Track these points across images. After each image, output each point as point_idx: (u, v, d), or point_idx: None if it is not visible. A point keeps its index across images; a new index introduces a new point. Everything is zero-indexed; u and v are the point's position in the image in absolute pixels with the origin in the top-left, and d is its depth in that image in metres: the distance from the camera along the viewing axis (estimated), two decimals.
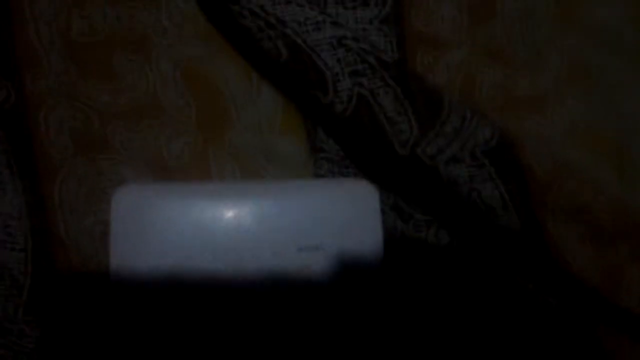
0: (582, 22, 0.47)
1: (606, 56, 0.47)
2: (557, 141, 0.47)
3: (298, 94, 0.43)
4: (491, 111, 0.45)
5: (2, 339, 0.35)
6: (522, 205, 0.43)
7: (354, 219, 0.43)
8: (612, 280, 0.46)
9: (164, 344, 0.40)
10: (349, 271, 0.42)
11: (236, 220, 0.40)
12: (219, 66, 0.43)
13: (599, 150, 0.47)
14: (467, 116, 0.42)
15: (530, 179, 0.45)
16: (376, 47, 0.42)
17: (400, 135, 0.42)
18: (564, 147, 0.47)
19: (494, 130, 0.43)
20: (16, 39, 0.40)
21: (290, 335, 0.41)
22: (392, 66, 0.41)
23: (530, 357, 0.42)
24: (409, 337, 0.43)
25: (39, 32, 0.41)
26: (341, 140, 0.44)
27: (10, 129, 0.38)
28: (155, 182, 0.41)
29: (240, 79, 0.43)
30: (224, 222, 0.40)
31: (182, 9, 0.43)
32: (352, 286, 0.42)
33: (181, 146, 0.42)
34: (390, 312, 0.43)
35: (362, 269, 0.42)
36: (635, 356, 0.43)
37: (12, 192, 0.37)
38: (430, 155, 0.42)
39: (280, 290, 0.40)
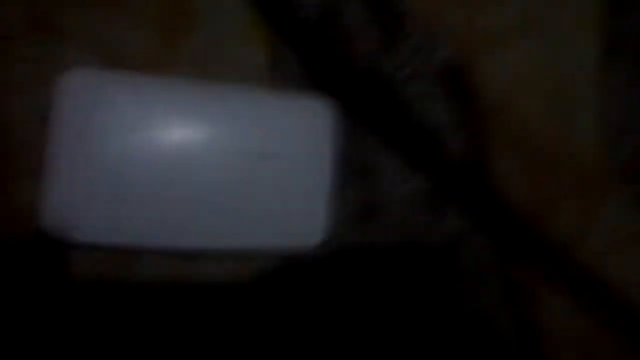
0: None
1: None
2: (506, 74, 0.46)
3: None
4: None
5: None
6: (467, 129, 0.44)
7: (306, 132, 0.42)
8: (549, 211, 0.46)
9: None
10: (295, 182, 0.41)
11: (186, 120, 0.39)
12: None
13: (542, 88, 0.47)
14: (427, 35, 0.42)
15: (478, 106, 0.45)
16: None
17: (363, 46, 0.42)
18: (511, 82, 0.46)
19: (453, 52, 0.43)
20: None
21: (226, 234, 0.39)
22: None
23: None
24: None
25: None
26: (304, 50, 0.42)
27: None
28: (104, 70, 0.39)
29: None
30: (174, 119, 0.38)
31: None
32: (295, 197, 0.40)
33: (139, 40, 0.39)
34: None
35: (309, 183, 0.41)
36: None
37: None
38: (389, 72, 0.42)
39: (223, 191, 0.39)
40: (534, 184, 0.46)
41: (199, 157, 0.38)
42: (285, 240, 0.40)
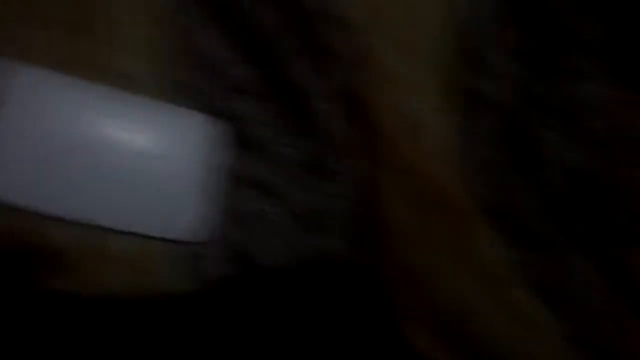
0: None
1: None
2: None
3: None
4: None
5: None
6: (363, 150, 0.50)
7: (189, 143, 0.50)
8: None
9: None
10: (173, 182, 0.50)
11: (90, 115, 0.48)
12: None
13: None
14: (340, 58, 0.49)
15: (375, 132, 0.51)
16: None
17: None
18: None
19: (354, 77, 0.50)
20: None
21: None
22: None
23: None
24: None
25: None
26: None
27: None
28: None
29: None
30: (82, 113, 0.48)
31: None
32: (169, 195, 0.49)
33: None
34: None
35: (187, 183, 0.50)
36: None
37: None
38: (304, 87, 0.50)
39: (112, 178, 0.48)
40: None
41: (94, 146, 0.48)
42: (159, 230, 0.49)
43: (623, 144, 0.51)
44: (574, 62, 0.52)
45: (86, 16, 0.50)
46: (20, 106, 0.47)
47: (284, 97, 0.51)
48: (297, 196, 0.51)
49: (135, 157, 0.48)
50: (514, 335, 0.49)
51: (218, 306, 0.50)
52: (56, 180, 0.47)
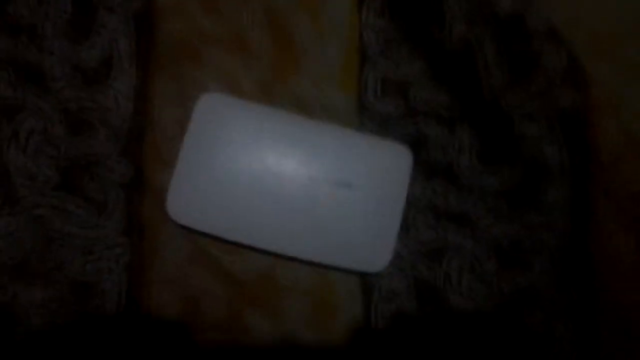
0: None
1: None
2: (629, 121, 0.47)
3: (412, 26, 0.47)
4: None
5: (97, 169, 0.46)
6: (578, 176, 0.45)
7: (386, 171, 0.48)
8: None
9: None
10: (371, 211, 0.47)
11: (289, 144, 0.47)
12: (295, 14, 0.49)
13: None
14: (555, 82, 0.44)
15: (594, 156, 0.46)
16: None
17: (490, 80, 0.45)
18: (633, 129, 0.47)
19: (575, 101, 0.45)
20: None
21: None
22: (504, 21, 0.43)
23: None
24: None
25: None
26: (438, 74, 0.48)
27: (139, 28, 0.49)
28: (229, 96, 0.49)
29: (311, 33, 0.49)
30: (280, 143, 0.47)
31: None
32: (368, 225, 0.47)
33: (255, 78, 0.49)
34: None
35: (381, 214, 0.47)
36: None
37: (127, 78, 0.48)
38: (510, 106, 0.44)
39: (310, 215, 0.46)
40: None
41: (292, 177, 0.46)
42: (355, 261, 0.47)
43: None
44: None
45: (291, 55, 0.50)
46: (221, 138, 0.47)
47: (481, 121, 0.48)
48: (496, 228, 0.47)
49: (339, 189, 0.46)
50: None
51: (399, 344, 0.45)
52: (251, 210, 0.46)
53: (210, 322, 0.45)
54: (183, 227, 0.46)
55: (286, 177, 0.46)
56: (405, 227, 0.47)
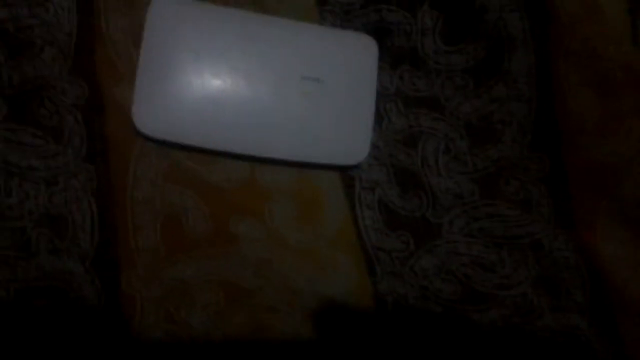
0: None
1: None
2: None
3: None
4: None
5: (47, 92, 0.42)
6: (539, 40, 0.46)
7: (353, 63, 0.47)
8: (611, 128, 0.48)
9: None
10: (344, 104, 0.46)
11: (251, 44, 0.45)
12: None
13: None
14: None
15: (554, 18, 0.47)
16: None
17: None
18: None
19: None
20: None
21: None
22: None
23: None
24: None
25: None
26: None
27: None
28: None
29: None
30: (242, 43, 0.45)
31: None
32: (342, 119, 0.46)
33: None
34: None
35: (354, 106, 0.46)
36: None
37: None
38: None
39: (283, 113, 0.45)
40: (601, 99, 0.48)
41: (259, 76, 0.44)
42: (334, 156, 0.46)
43: None
44: None
45: None
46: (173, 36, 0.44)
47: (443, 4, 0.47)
48: (465, 106, 0.47)
49: (308, 85, 0.45)
50: None
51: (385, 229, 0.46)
52: (223, 114, 0.44)
53: (195, 237, 0.44)
54: (153, 141, 0.43)
55: (253, 77, 0.44)
56: (378, 117, 0.47)
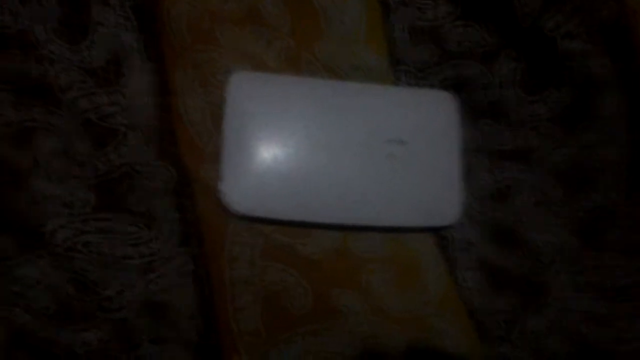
0: None
1: None
2: None
3: None
4: None
5: (136, 179, 0.42)
6: (628, 84, 0.45)
7: (435, 121, 0.46)
8: None
9: None
10: (430, 164, 0.45)
11: (331, 112, 0.44)
12: None
13: None
14: None
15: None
16: None
17: (524, 8, 0.44)
18: None
19: (612, 11, 0.44)
20: None
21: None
22: None
23: None
24: None
25: None
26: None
27: (142, 20, 0.44)
28: (262, 73, 0.45)
29: None
30: (322, 111, 0.44)
31: None
32: (430, 180, 0.45)
33: (278, 50, 0.45)
34: None
35: (441, 165, 0.45)
36: None
37: (139, 73, 0.43)
38: (549, 29, 0.43)
39: (371, 179, 0.44)
40: None
41: (343, 144, 0.44)
42: (426, 218, 0.45)
43: None
44: None
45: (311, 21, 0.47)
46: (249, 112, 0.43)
47: (520, 49, 0.47)
48: (554, 155, 0.46)
49: (393, 148, 0.44)
50: None
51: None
52: (311, 185, 0.43)
53: (297, 314, 0.42)
54: (245, 218, 0.42)
55: (337, 145, 0.44)
56: (464, 174, 0.46)
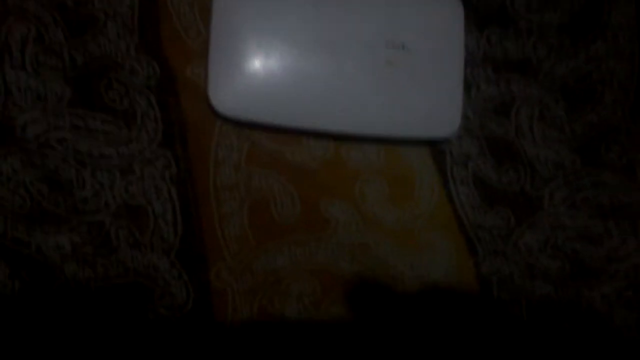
0: None
1: None
2: None
3: None
4: None
5: (115, 73, 0.38)
6: None
7: (439, 27, 0.43)
8: None
9: None
10: (431, 73, 0.42)
11: (331, 10, 0.41)
12: None
13: None
14: None
15: None
16: None
17: None
18: None
19: None
20: None
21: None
22: None
23: None
24: None
25: None
26: None
27: None
28: None
29: None
30: (321, 10, 0.41)
31: None
32: (431, 88, 0.42)
33: None
34: None
35: (442, 74, 0.42)
36: None
37: None
38: None
39: (368, 85, 0.41)
40: None
41: (340, 45, 0.41)
42: (424, 129, 0.42)
43: None
44: None
45: None
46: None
47: None
48: (560, 67, 0.43)
49: (393, 53, 0.41)
50: None
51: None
52: (304, 89, 0.40)
53: (286, 224, 0.40)
54: (232, 121, 0.39)
55: (334, 47, 0.40)
56: (466, 85, 0.43)
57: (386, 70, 0.41)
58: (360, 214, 0.41)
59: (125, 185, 0.38)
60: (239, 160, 0.40)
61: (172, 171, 0.39)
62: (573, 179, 0.43)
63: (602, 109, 0.44)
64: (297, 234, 0.40)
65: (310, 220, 0.40)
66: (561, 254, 0.43)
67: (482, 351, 0.42)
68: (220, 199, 0.39)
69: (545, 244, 0.43)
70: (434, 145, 0.43)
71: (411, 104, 0.42)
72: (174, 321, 0.38)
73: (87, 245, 0.38)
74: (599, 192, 0.43)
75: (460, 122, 0.42)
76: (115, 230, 0.38)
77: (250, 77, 0.39)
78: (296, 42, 0.40)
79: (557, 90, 0.44)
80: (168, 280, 0.38)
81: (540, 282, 0.43)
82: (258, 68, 0.39)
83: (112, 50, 0.38)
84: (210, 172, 0.39)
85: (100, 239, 0.38)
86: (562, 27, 0.43)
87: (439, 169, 0.43)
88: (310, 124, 0.41)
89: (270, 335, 0.40)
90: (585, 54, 0.43)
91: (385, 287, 0.41)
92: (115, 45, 0.38)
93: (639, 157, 0.44)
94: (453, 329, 0.42)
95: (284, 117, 0.40)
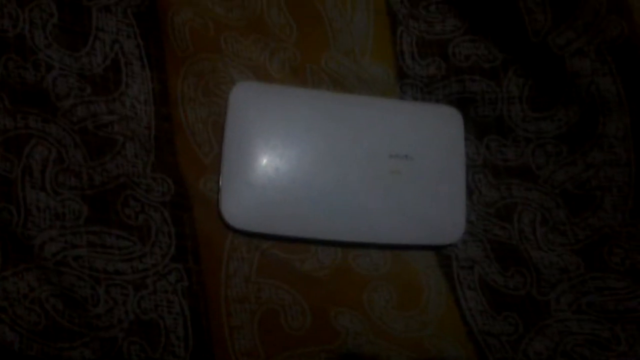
0: None
1: None
2: None
3: None
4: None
5: (132, 191, 0.40)
6: (636, 105, 0.44)
7: (440, 136, 0.45)
8: None
9: None
10: (434, 181, 0.43)
11: (336, 125, 0.43)
12: None
13: None
14: (601, 12, 0.42)
15: None
16: None
17: (535, 24, 0.43)
18: None
19: (622, 30, 0.43)
20: None
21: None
22: None
23: None
24: None
25: None
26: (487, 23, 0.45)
27: (144, 27, 0.42)
28: (266, 84, 0.44)
29: (336, 5, 0.46)
30: (326, 124, 0.43)
31: None
32: (434, 196, 0.44)
33: (282, 61, 0.44)
34: None
35: (445, 182, 0.44)
36: None
37: (140, 81, 0.41)
38: (559, 46, 0.42)
39: (374, 191, 0.43)
40: None
41: (346, 158, 0.43)
42: (430, 235, 0.43)
43: None
44: None
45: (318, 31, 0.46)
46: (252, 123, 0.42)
47: (528, 66, 0.46)
48: (559, 173, 0.45)
49: (397, 163, 0.43)
50: None
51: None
52: (312, 200, 0.41)
53: (296, 335, 0.40)
54: (243, 234, 0.41)
55: (340, 159, 0.42)
56: (468, 190, 0.45)
57: (390, 180, 0.43)
58: (369, 323, 0.42)
59: (138, 301, 0.39)
60: (249, 271, 0.41)
61: (184, 285, 0.40)
62: (577, 283, 0.44)
63: (602, 214, 0.45)
64: (307, 346, 0.41)
65: (320, 331, 0.41)
66: None
67: None
68: (231, 311, 0.40)
69: (554, 351, 0.43)
70: (440, 250, 0.44)
71: (416, 211, 0.43)
72: None
73: None
74: (604, 296, 0.44)
75: (464, 228, 0.43)
76: (128, 346, 0.38)
77: (259, 190, 0.41)
78: (303, 157, 0.42)
79: (557, 195, 0.45)
80: None
81: None
82: (267, 182, 0.41)
83: (130, 170, 0.40)
84: (222, 285, 0.40)
85: (113, 355, 0.38)
86: (560, 137, 0.45)
87: (445, 273, 0.44)
88: (319, 234, 0.42)
89: None
90: (583, 161, 0.45)
91: None
92: (133, 165, 0.40)
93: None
94: None
95: (293, 229, 0.42)
